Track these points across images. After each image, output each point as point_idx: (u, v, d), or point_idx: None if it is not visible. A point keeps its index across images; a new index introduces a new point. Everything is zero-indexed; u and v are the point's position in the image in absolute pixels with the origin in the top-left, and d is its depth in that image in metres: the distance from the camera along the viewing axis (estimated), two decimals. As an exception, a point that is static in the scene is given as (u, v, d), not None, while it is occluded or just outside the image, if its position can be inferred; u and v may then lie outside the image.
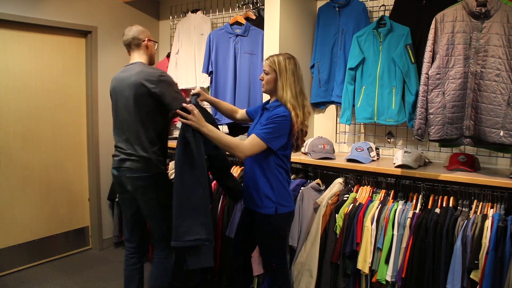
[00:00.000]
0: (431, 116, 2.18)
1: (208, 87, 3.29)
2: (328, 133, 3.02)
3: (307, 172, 2.80)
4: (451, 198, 2.29)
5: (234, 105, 3.04)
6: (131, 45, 2.25)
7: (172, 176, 2.07)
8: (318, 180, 2.73)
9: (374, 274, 2.26)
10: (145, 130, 2.18)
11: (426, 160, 2.56)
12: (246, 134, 3.42)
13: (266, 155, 2.00)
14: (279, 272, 2.19)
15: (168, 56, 3.73)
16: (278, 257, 2.17)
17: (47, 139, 3.39)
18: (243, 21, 3.09)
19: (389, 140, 2.82)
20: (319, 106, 3.05)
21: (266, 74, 2.05)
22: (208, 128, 1.91)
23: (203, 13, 3.56)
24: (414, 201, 2.36)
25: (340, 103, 2.80)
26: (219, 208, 2.86)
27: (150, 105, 2.16)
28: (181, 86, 3.33)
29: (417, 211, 2.26)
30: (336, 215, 2.40)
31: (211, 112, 2.56)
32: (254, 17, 3.17)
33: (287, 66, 2.00)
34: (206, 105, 3.78)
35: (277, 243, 2.15)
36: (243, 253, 2.31)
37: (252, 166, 2.08)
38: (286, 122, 1.95)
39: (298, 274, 2.50)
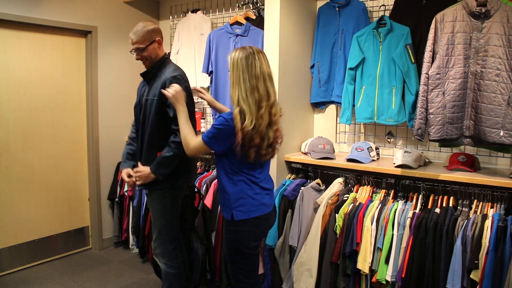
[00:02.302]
0: (431, 116, 2.18)
1: (208, 87, 3.30)
2: (328, 133, 3.02)
3: (307, 172, 2.80)
4: (451, 198, 2.29)
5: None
6: None
7: None
8: (318, 180, 2.73)
9: (374, 274, 2.26)
10: None
11: (426, 160, 2.56)
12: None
13: (225, 159, 1.85)
14: None
15: (168, 56, 3.72)
16: (246, 276, 1.92)
17: (47, 139, 3.39)
18: (243, 21, 3.09)
19: (389, 140, 2.82)
20: (319, 106, 3.05)
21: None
22: (182, 108, 1.95)
23: (203, 13, 3.56)
24: (414, 201, 2.36)
25: (340, 103, 2.80)
26: (219, 208, 2.86)
27: None
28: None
29: (417, 211, 2.26)
30: (336, 215, 2.40)
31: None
32: (254, 17, 3.17)
33: (238, 62, 1.76)
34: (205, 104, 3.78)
35: (241, 259, 1.90)
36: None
37: (218, 168, 1.93)
38: (226, 127, 1.75)
39: (298, 274, 2.50)
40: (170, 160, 2.15)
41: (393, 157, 2.56)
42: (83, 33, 3.52)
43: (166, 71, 2.20)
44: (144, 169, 2.19)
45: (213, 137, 1.79)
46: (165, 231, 2.30)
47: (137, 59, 2.22)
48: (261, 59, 1.80)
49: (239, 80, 1.76)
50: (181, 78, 2.17)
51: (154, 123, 2.18)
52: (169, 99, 2.01)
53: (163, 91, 2.03)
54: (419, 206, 2.31)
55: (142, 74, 2.28)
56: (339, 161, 2.62)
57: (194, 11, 3.56)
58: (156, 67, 2.23)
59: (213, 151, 1.86)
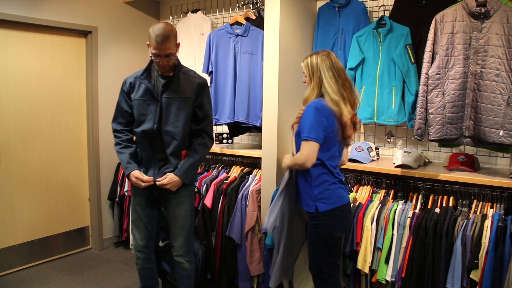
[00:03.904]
0: (431, 116, 2.18)
1: (208, 87, 3.29)
2: (328, 133, 3.02)
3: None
4: (451, 198, 2.29)
5: (234, 105, 3.05)
6: None
7: None
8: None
9: (374, 274, 2.27)
10: None
11: (426, 160, 2.56)
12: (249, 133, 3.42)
13: None
14: (326, 284, 2.04)
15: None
16: (327, 266, 2.02)
17: (47, 139, 3.39)
18: (243, 21, 3.09)
19: (389, 140, 2.82)
20: (319, 106, 3.05)
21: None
22: (289, 162, 2.04)
23: (203, 13, 3.56)
24: (414, 201, 2.36)
25: (340, 103, 2.79)
26: (219, 208, 2.86)
27: None
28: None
29: (417, 211, 2.26)
30: (336, 215, 2.40)
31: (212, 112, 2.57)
32: (254, 17, 3.17)
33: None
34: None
35: (323, 249, 2.00)
36: None
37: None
38: None
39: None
40: (199, 163, 2.34)
41: (393, 157, 2.56)
42: (83, 33, 3.52)
43: (191, 73, 2.32)
44: (173, 178, 2.23)
45: None
46: (192, 229, 2.40)
47: (164, 65, 2.15)
48: None
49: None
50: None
51: (187, 121, 2.25)
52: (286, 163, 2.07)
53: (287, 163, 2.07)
54: (419, 206, 2.31)
55: (168, 77, 2.22)
56: (339, 161, 2.62)
57: (194, 11, 3.57)
58: (178, 67, 2.25)
59: None
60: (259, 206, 2.72)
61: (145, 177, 2.24)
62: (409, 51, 2.50)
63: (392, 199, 2.44)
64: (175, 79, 2.23)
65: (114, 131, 2.35)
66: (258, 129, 2.98)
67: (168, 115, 2.22)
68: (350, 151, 2.66)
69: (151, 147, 2.27)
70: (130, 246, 3.65)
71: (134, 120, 2.30)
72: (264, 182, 2.67)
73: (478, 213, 2.16)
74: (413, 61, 2.50)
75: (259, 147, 3.02)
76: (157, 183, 2.23)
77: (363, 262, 2.26)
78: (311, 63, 1.98)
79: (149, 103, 2.24)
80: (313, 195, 1.97)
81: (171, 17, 3.90)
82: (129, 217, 3.60)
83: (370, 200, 2.44)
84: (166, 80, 2.23)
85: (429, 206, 2.30)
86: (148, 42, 2.14)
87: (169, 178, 2.22)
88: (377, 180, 2.57)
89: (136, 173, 2.25)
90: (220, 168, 3.21)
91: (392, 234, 2.23)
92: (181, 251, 2.34)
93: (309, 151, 1.89)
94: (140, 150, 2.33)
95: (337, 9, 2.81)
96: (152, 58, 2.14)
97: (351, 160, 2.56)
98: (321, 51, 2.01)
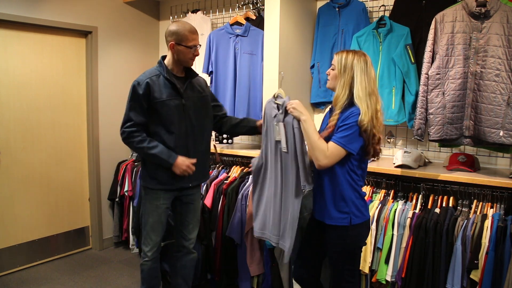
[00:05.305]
0: (431, 116, 2.18)
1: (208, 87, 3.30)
2: (328, 133, 3.02)
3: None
4: (451, 198, 2.29)
5: (234, 105, 3.05)
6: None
7: None
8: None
9: (374, 274, 2.27)
10: None
11: (426, 160, 2.56)
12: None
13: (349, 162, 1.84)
14: None
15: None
16: (350, 275, 1.93)
17: (47, 139, 3.39)
18: (243, 21, 3.10)
19: (389, 140, 2.82)
20: (319, 106, 3.06)
21: None
22: (307, 119, 1.80)
23: (203, 13, 3.56)
24: (414, 201, 2.36)
25: (340, 103, 2.79)
26: (219, 208, 2.86)
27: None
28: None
29: (417, 211, 2.26)
30: (336, 215, 2.40)
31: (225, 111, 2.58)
32: (254, 17, 3.17)
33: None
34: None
35: (348, 258, 1.91)
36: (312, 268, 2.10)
37: (335, 175, 1.85)
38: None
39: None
40: None
41: (393, 157, 2.56)
42: (83, 33, 3.52)
43: (193, 71, 2.33)
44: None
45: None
46: None
47: (197, 55, 2.24)
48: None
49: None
50: None
51: (211, 116, 2.37)
52: (293, 113, 1.85)
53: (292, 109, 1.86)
54: (419, 206, 2.31)
55: (183, 78, 2.25)
56: (339, 161, 2.61)
57: (194, 11, 3.57)
58: (189, 68, 2.30)
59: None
60: (259, 206, 2.71)
61: (190, 166, 2.21)
62: (409, 51, 2.50)
63: (392, 199, 2.44)
64: (193, 79, 2.29)
65: (131, 132, 2.15)
66: (258, 129, 2.98)
67: (196, 114, 2.26)
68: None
69: (184, 149, 2.22)
70: (130, 246, 3.65)
71: (147, 125, 2.20)
72: (264, 182, 2.66)
73: (478, 213, 2.16)
74: (413, 61, 2.50)
75: (259, 147, 3.02)
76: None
77: (363, 262, 2.25)
78: (345, 59, 1.79)
79: (174, 102, 2.17)
80: (350, 202, 1.81)
81: (171, 17, 3.90)
82: (129, 217, 3.60)
83: (370, 200, 2.44)
84: (183, 80, 2.26)
85: (429, 206, 2.30)
86: (173, 42, 2.13)
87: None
88: (377, 180, 2.57)
89: (184, 158, 2.18)
90: (220, 168, 3.21)
91: (392, 234, 2.23)
92: (192, 244, 2.44)
93: (336, 156, 1.75)
94: None
95: (337, 9, 2.81)
96: (191, 51, 2.16)
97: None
98: (359, 52, 1.85)
